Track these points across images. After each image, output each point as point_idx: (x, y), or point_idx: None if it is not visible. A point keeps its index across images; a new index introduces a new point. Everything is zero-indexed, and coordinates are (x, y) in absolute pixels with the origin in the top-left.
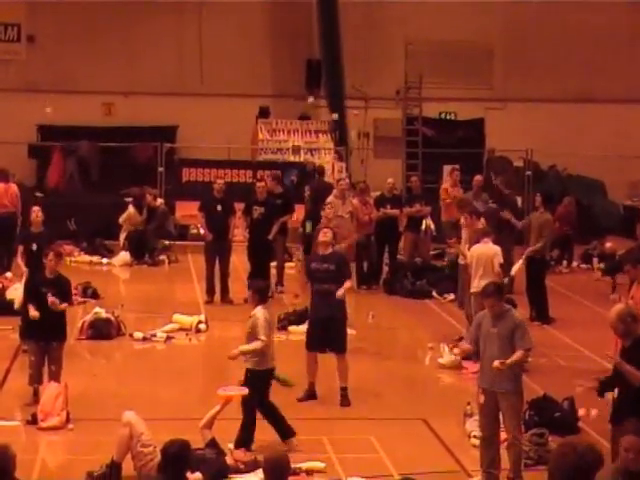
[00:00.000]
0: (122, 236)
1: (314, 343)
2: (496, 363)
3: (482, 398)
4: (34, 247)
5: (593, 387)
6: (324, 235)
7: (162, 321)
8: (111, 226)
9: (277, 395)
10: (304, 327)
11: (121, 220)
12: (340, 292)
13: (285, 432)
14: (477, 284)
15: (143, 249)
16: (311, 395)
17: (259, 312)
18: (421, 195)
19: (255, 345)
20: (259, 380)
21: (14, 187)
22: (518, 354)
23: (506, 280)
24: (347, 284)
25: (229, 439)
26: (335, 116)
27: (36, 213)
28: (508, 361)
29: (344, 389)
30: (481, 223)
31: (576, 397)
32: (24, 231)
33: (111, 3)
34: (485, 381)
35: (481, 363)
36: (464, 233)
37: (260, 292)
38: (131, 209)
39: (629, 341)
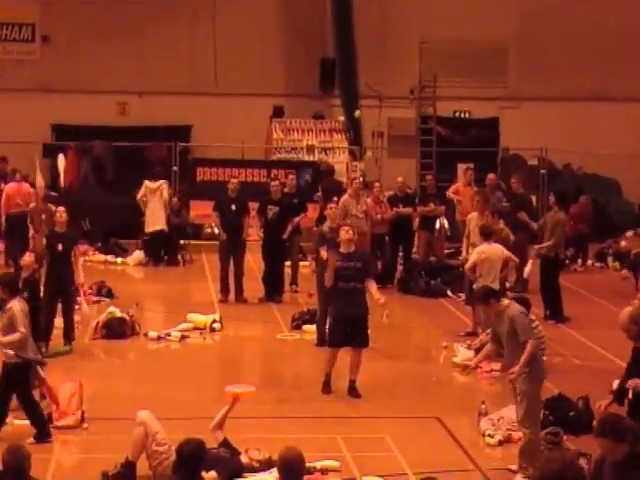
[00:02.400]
0: (158, 212)
1: (340, 339)
2: (510, 377)
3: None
4: (59, 247)
5: (610, 403)
6: (347, 233)
7: (176, 320)
8: (125, 225)
9: (291, 393)
10: None
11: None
12: (382, 299)
13: (41, 432)
14: None
15: (166, 247)
16: (329, 386)
17: (15, 305)
18: (435, 194)
19: (14, 337)
20: (19, 372)
21: (27, 186)
22: (524, 356)
23: (511, 280)
24: (374, 284)
25: (241, 438)
26: (341, 119)
27: (60, 213)
28: (516, 368)
29: (354, 381)
30: (501, 223)
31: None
32: (50, 231)
33: (125, 3)
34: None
35: None
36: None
37: (8, 285)
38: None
39: None
